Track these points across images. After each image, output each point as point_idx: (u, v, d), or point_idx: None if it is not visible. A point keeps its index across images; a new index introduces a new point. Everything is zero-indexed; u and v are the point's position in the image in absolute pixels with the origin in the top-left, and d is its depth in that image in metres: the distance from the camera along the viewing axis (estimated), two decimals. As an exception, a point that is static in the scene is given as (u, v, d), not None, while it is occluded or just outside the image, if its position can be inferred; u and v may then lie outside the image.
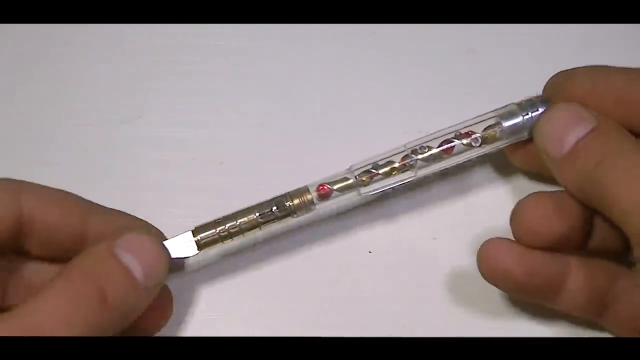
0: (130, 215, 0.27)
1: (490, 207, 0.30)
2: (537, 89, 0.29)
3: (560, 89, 0.28)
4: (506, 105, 0.28)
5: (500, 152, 0.31)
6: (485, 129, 0.28)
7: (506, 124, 0.28)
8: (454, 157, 0.28)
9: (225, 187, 0.31)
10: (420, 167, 0.28)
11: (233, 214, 0.28)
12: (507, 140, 0.28)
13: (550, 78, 0.28)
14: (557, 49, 0.29)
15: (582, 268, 0.26)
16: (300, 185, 0.29)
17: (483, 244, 0.26)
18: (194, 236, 0.27)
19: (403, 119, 0.32)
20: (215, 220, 0.27)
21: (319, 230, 0.30)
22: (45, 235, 0.25)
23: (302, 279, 0.29)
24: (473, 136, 0.28)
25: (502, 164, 0.31)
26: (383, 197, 0.31)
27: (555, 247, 0.26)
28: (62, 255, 0.26)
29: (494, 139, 0.28)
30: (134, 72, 0.34)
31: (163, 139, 0.32)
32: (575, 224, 0.25)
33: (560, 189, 0.26)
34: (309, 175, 0.30)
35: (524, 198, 0.26)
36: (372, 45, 0.35)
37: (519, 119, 0.27)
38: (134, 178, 0.31)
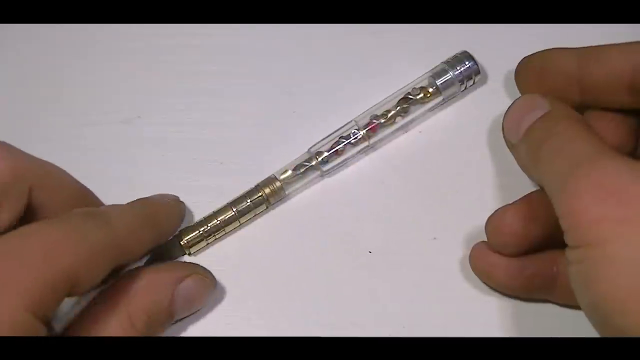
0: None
1: (490, 207, 0.30)
2: (537, 89, 0.29)
3: (520, 75, 0.30)
4: (436, 66, 0.32)
5: (500, 153, 0.31)
6: (422, 88, 0.31)
7: (439, 81, 0.31)
8: (402, 120, 0.31)
9: (225, 187, 0.31)
10: (372, 136, 0.31)
11: (213, 213, 0.29)
12: (444, 96, 0.31)
13: (517, 66, 0.31)
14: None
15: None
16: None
17: (471, 249, 0.28)
18: (180, 239, 0.29)
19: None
20: (197, 222, 0.29)
21: (319, 230, 0.30)
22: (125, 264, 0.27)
23: (302, 279, 0.29)
24: (410, 95, 0.31)
25: (502, 164, 0.31)
26: (383, 197, 0.31)
27: (536, 249, 0.26)
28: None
29: (431, 96, 0.31)
30: (134, 72, 0.34)
31: (163, 139, 0.32)
32: (548, 225, 0.26)
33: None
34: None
35: (492, 214, 0.27)
36: (372, 45, 0.35)
37: (449, 75, 0.31)
38: (134, 178, 0.31)
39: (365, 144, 0.31)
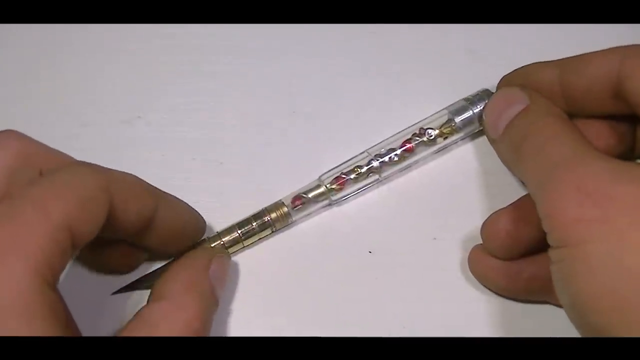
0: (184, 203, 0.28)
1: (489, 206, 0.30)
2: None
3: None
4: (455, 102, 0.31)
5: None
6: (441, 126, 0.30)
7: (458, 118, 0.30)
8: (415, 156, 0.31)
9: (225, 187, 0.31)
10: (385, 169, 0.30)
11: (217, 233, 0.29)
12: (463, 134, 0.31)
13: (497, 84, 0.30)
14: (557, 48, 0.29)
15: None
16: (301, 184, 0.29)
17: (470, 252, 0.28)
18: None
19: (403, 119, 0.31)
20: (199, 242, 0.29)
21: (319, 230, 0.30)
22: (119, 221, 0.25)
23: (302, 279, 0.29)
24: (432, 134, 0.30)
25: (502, 166, 0.31)
26: (382, 197, 0.31)
27: (532, 252, 0.26)
28: (128, 237, 0.26)
29: (449, 134, 0.30)
30: (134, 72, 0.34)
31: (163, 139, 0.32)
32: (541, 227, 0.26)
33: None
34: (309, 175, 0.30)
35: (487, 219, 0.27)
36: (372, 45, 0.35)
37: (469, 113, 0.30)
38: (134, 178, 0.31)
39: (376, 177, 0.30)
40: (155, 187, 0.26)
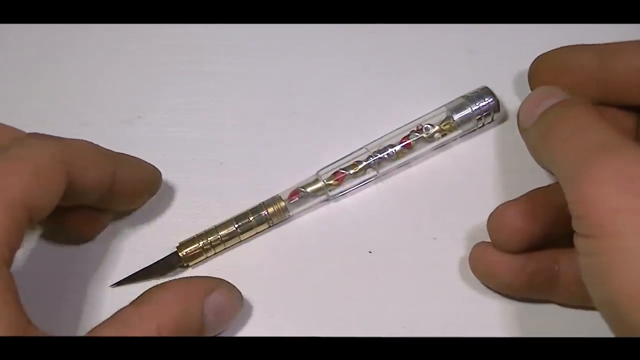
0: (140, 160, 0.28)
1: (490, 206, 0.30)
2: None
3: (537, 73, 0.29)
4: (454, 100, 0.31)
5: (500, 154, 0.31)
6: (440, 123, 0.31)
7: (457, 116, 0.31)
8: (414, 153, 0.31)
9: (225, 187, 0.31)
10: (383, 165, 0.30)
11: (214, 227, 0.29)
12: (461, 131, 0.31)
13: (532, 63, 0.30)
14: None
15: (571, 261, 0.26)
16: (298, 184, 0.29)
17: (472, 249, 0.28)
18: (179, 252, 0.28)
19: (403, 119, 0.32)
20: (197, 235, 0.29)
21: (319, 230, 0.30)
22: (80, 189, 0.25)
23: (301, 279, 0.29)
24: (431, 130, 0.30)
25: (502, 165, 0.31)
26: (381, 194, 0.31)
27: (537, 247, 0.26)
28: (90, 202, 0.26)
29: (448, 131, 0.31)
30: (134, 72, 0.34)
31: (163, 139, 0.32)
32: (549, 222, 0.26)
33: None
34: (310, 175, 0.30)
35: (494, 210, 0.27)
36: (372, 45, 0.35)
37: (467, 110, 0.30)
38: (134, 178, 0.31)
39: (374, 173, 0.30)
40: (111, 150, 0.26)
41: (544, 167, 0.27)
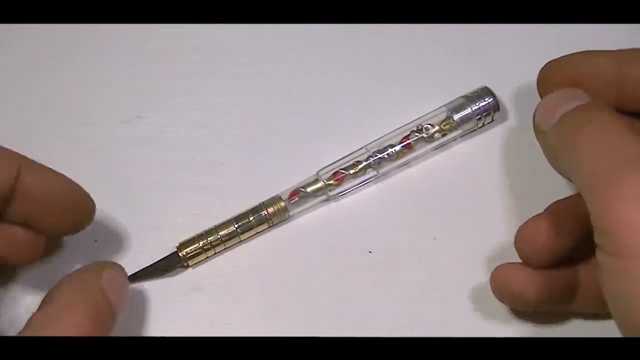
0: (62, 176, 0.26)
1: (490, 206, 0.30)
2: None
3: (549, 79, 0.28)
4: (454, 100, 0.31)
5: (500, 154, 0.31)
6: (440, 123, 0.31)
7: (457, 116, 0.31)
8: (414, 153, 0.31)
9: (225, 187, 0.31)
10: (383, 165, 0.30)
11: (214, 227, 0.29)
12: (461, 131, 0.31)
13: (542, 68, 0.29)
14: (557, 49, 0.29)
15: (591, 274, 0.25)
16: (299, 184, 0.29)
17: (494, 271, 0.27)
18: (179, 252, 0.29)
19: (403, 119, 0.32)
20: (197, 235, 0.29)
21: (319, 230, 0.30)
22: None
23: (301, 279, 0.29)
24: (431, 130, 0.31)
25: (502, 165, 0.31)
26: (381, 194, 0.31)
27: (560, 261, 0.26)
28: None
29: (447, 131, 0.31)
30: (134, 72, 0.34)
31: (163, 139, 0.32)
32: (575, 236, 0.25)
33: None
34: (309, 175, 0.30)
35: (524, 224, 0.26)
36: (372, 45, 0.35)
37: (467, 110, 0.31)
38: (134, 178, 0.31)
39: (374, 173, 0.30)
40: (18, 153, 0.25)
41: (559, 172, 0.26)
